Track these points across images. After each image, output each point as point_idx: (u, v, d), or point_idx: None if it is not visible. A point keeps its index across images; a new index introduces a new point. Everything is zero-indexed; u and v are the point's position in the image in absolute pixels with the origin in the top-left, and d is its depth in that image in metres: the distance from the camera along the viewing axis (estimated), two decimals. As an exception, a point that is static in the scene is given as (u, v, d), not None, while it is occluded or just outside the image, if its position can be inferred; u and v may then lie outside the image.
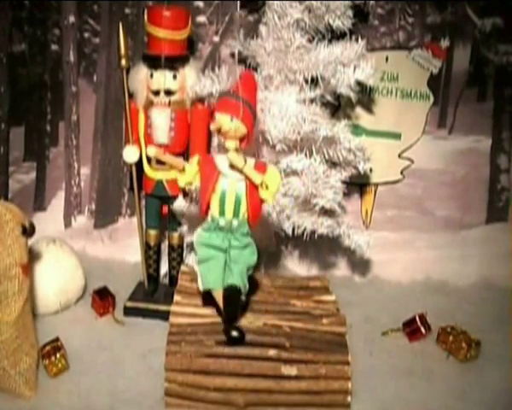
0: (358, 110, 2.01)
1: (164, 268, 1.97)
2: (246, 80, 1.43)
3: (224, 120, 1.37)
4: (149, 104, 1.74)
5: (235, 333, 1.39)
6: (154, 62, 1.69)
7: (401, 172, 2.09)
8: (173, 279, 1.87)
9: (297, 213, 1.78)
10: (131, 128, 1.75)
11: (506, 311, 1.88)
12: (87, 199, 2.20)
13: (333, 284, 1.73)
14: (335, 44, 1.67)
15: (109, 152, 2.14)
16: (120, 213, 2.19)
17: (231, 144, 1.38)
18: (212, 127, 1.40)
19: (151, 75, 1.70)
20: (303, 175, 1.68)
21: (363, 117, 2.02)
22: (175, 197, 1.77)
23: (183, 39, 1.73)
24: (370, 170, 2.02)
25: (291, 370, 1.40)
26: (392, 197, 2.13)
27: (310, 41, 1.67)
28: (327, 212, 1.76)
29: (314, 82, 1.68)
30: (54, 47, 2.10)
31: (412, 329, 1.76)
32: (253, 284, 1.65)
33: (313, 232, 1.78)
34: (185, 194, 1.74)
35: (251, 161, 1.41)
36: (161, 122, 1.73)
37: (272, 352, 1.41)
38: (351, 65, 1.64)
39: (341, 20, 1.66)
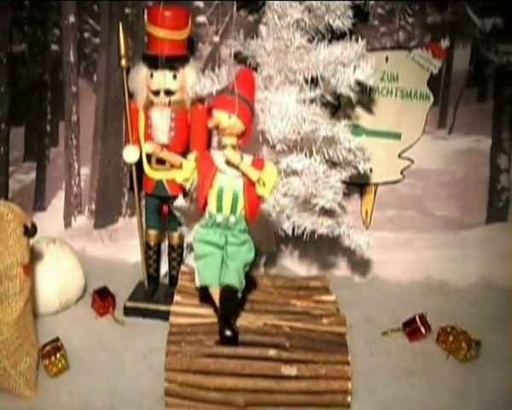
0: (358, 110, 2.01)
1: (164, 268, 1.97)
2: (243, 77, 1.43)
3: (221, 117, 1.37)
4: (149, 104, 1.74)
5: (228, 332, 1.39)
6: (154, 62, 1.69)
7: (401, 172, 2.09)
8: (173, 279, 1.87)
9: (297, 213, 1.78)
10: (131, 128, 1.75)
11: (506, 311, 1.88)
12: (87, 199, 2.19)
13: (333, 284, 1.73)
14: (335, 44, 1.67)
15: (109, 152, 2.14)
16: (120, 213, 2.19)
17: (229, 141, 1.39)
18: (210, 124, 1.40)
19: (151, 75, 1.70)
20: (303, 175, 1.68)
21: (363, 117, 2.02)
22: (175, 197, 1.77)
23: (183, 39, 1.73)
24: (370, 170, 2.02)
25: (291, 370, 1.40)
26: (392, 197, 2.13)
27: (310, 41, 1.67)
28: (327, 212, 1.76)
29: (314, 82, 1.68)
30: (54, 47, 2.10)
31: (412, 329, 1.76)
32: (253, 283, 1.66)
33: (313, 232, 1.78)
34: (185, 194, 1.74)
35: (248, 158, 1.41)
36: (161, 122, 1.73)
37: (272, 352, 1.41)
38: (351, 65, 1.64)
39: (341, 20, 1.66)
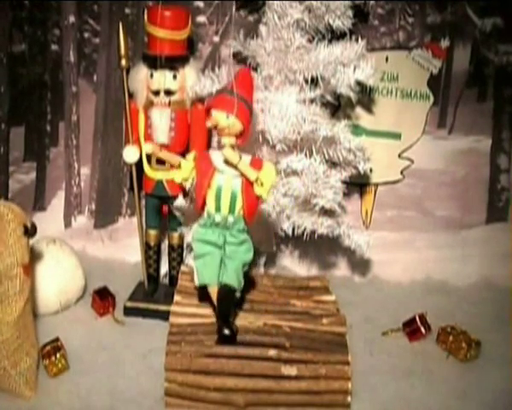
0: (358, 110, 2.01)
1: (164, 268, 1.97)
2: (242, 77, 1.43)
3: (220, 117, 1.37)
4: (149, 104, 1.74)
5: (226, 331, 1.40)
6: (154, 62, 1.69)
7: (401, 172, 2.09)
8: (173, 279, 1.87)
9: (297, 213, 1.78)
10: (131, 128, 1.75)
11: (506, 311, 1.89)
12: (87, 199, 2.20)
13: (333, 284, 1.73)
14: (335, 44, 1.67)
15: (109, 152, 2.14)
16: (120, 213, 2.19)
17: (227, 141, 1.39)
18: (209, 124, 1.40)
19: (151, 75, 1.70)
20: (303, 175, 1.68)
21: (363, 117, 2.02)
22: (175, 197, 1.77)
23: (183, 39, 1.73)
24: (370, 170, 2.02)
25: (291, 370, 1.40)
26: (392, 197, 2.13)
27: (310, 41, 1.67)
28: (327, 212, 1.76)
29: (314, 82, 1.68)
30: (54, 47, 2.10)
31: (412, 329, 1.76)
32: (253, 283, 1.66)
33: (313, 232, 1.78)
34: (185, 194, 1.74)
35: (247, 158, 1.41)
36: (161, 122, 1.73)
37: (272, 352, 1.41)
38: (351, 65, 1.64)
39: (341, 20, 1.65)
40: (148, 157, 1.75)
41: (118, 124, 2.09)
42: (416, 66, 1.99)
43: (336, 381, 1.40)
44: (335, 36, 1.69)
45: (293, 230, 1.79)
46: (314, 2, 1.61)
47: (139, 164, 1.76)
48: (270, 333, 1.45)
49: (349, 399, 1.42)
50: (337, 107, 1.96)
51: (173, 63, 1.70)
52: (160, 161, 1.71)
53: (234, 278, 1.42)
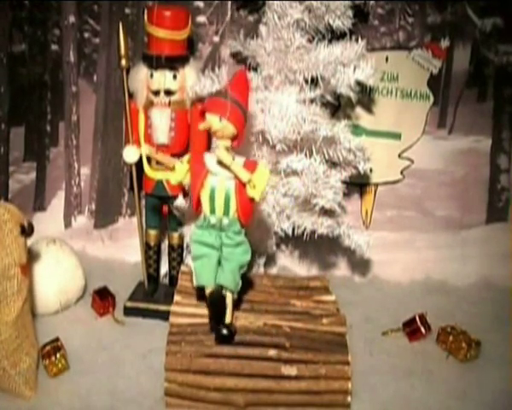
0: (358, 110, 2.01)
1: (164, 268, 1.97)
2: (238, 80, 1.43)
3: (212, 120, 1.37)
4: (149, 104, 1.74)
5: (224, 331, 1.40)
6: (154, 62, 1.69)
7: (401, 172, 2.09)
8: (173, 279, 1.87)
9: (297, 213, 1.78)
10: (131, 128, 1.75)
11: (506, 311, 1.89)
12: (87, 199, 2.19)
13: (333, 284, 1.72)
14: (335, 44, 1.67)
15: (109, 152, 2.14)
16: (120, 213, 2.19)
17: (222, 143, 1.39)
18: (201, 127, 1.40)
19: (151, 75, 1.70)
20: (303, 175, 1.68)
21: (363, 117, 2.02)
22: (175, 197, 1.77)
23: (183, 39, 1.72)
24: (370, 170, 2.02)
25: (291, 370, 1.40)
26: (392, 197, 2.13)
27: (310, 41, 1.67)
28: (327, 212, 1.76)
29: (314, 82, 1.68)
30: (54, 47, 2.10)
31: (412, 329, 1.76)
32: (254, 284, 1.66)
33: (313, 232, 1.78)
34: (185, 194, 1.74)
35: (240, 160, 1.41)
36: (161, 122, 1.73)
37: (272, 352, 1.41)
38: (351, 65, 1.64)
39: (341, 20, 1.65)
40: (148, 157, 1.75)
41: (118, 124, 2.09)
42: (416, 66, 1.99)
43: (336, 381, 1.41)
44: (335, 36, 1.69)
45: (293, 230, 1.79)
46: (314, 2, 1.61)
47: (139, 164, 1.76)
48: (270, 333, 1.45)
49: (349, 399, 1.42)
50: (337, 107, 1.96)
51: (173, 63, 1.69)
52: (161, 162, 1.71)
53: (230, 280, 1.42)
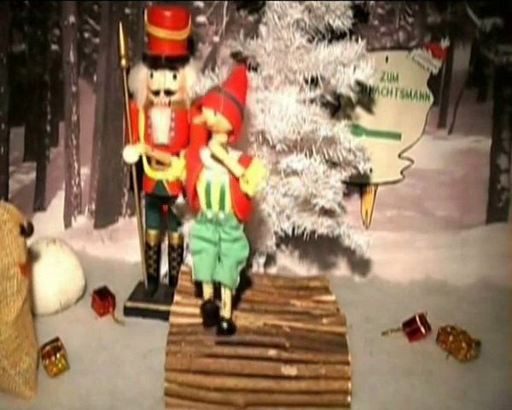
0: (358, 110, 2.01)
1: (164, 268, 1.97)
2: (235, 76, 1.43)
3: (208, 115, 1.37)
4: (149, 104, 1.74)
5: (225, 325, 1.43)
6: (154, 62, 1.69)
7: (401, 172, 2.09)
8: (173, 279, 1.87)
9: (297, 213, 1.78)
10: (131, 128, 1.75)
11: (506, 311, 1.89)
12: (87, 199, 2.19)
13: (333, 284, 1.73)
14: (335, 44, 1.67)
15: (109, 152, 2.14)
16: (120, 213, 2.19)
17: (218, 138, 1.39)
18: (196, 120, 1.40)
19: (151, 75, 1.70)
20: (303, 175, 1.68)
21: (363, 117, 2.02)
22: (175, 197, 1.77)
23: (183, 39, 1.72)
24: (370, 170, 2.02)
25: (291, 370, 1.40)
26: (392, 197, 2.13)
27: (310, 41, 1.67)
28: (327, 212, 1.76)
29: (314, 82, 1.68)
30: (54, 47, 2.10)
31: (412, 329, 1.76)
32: (254, 284, 1.66)
33: (313, 232, 1.78)
34: (185, 194, 1.74)
35: (235, 154, 1.41)
36: (161, 122, 1.73)
37: (272, 352, 1.41)
38: (351, 65, 1.64)
39: (341, 20, 1.65)
40: (148, 157, 1.75)
41: (118, 124, 2.09)
42: (416, 66, 1.99)
43: (336, 381, 1.41)
44: (335, 36, 1.69)
45: (293, 230, 1.79)
46: (314, 2, 1.61)
47: (139, 164, 1.76)
48: (270, 333, 1.45)
49: (349, 399, 1.42)
50: (337, 107, 1.96)
51: (173, 63, 1.69)
52: (161, 161, 1.71)
53: (228, 276, 1.42)
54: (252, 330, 1.45)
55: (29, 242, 1.53)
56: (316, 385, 1.40)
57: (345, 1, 1.65)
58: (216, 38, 2.07)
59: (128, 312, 1.81)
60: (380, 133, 2.04)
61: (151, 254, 1.89)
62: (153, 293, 1.88)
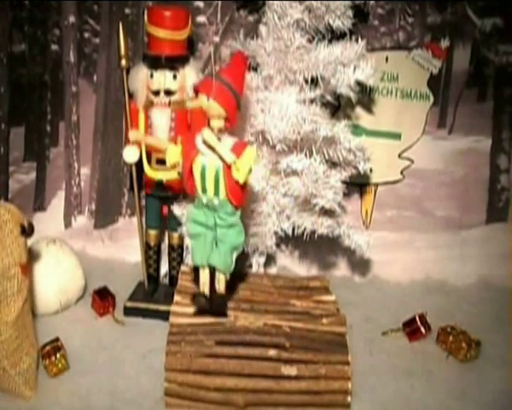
0: (358, 110, 2.01)
1: (164, 268, 1.97)
2: (233, 62, 1.43)
3: (202, 99, 1.37)
4: (149, 104, 1.74)
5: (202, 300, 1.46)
6: (154, 62, 1.69)
7: (401, 172, 2.09)
8: (173, 279, 1.87)
9: (297, 213, 1.78)
10: (131, 128, 1.75)
11: (506, 311, 1.89)
12: (87, 199, 2.19)
13: (333, 284, 1.73)
14: (335, 44, 1.67)
15: (109, 152, 2.14)
16: (120, 213, 2.19)
17: (214, 123, 1.38)
18: (191, 104, 1.40)
19: (151, 75, 1.70)
20: (303, 175, 1.67)
21: (363, 117, 2.02)
22: (175, 197, 1.77)
23: (183, 39, 1.72)
24: (370, 170, 2.02)
25: (291, 370, 1.40)
26: (392, 197, 2.13)
27: (310, 41, 1.67)
28: (327, 212, 1.76)
29: (314, 82, 1.68)
30: (54, 47, 2.10)
31: (412, 329, 1.76)
32: (254, 284, 1.66)
33: (313, 232, 1.78)
34: (186, 194, 1.74)
35: (230, 141, 1.40)
36: (161, 122, 1.73)
37: (272, 352, 1.41)
38: (351, 65, 1.64)
39: (341, 20, 1.65)
40: (148, 157, 1.75)
41: (118, 124, 2.09)
42: (416, 66, 1.99)
43: (336, 381, 1.41)
44: (335, 36, 1.69)
45: (293, 230, 1.79)
46: (314, 3, 1.61)
47: (139, 164, 1.76)
48: (270, 333, 1.45)
49: (349, 399, 1.42)
50: (337, 107, 1.96)
51: (173, 63, 1.69)
52: (160, 161, 1.71)
53: (222, 261, 1.42)
54: (252, 330, 1.45)
55: (29, 242, 1.52)
56: (316, 385, 1.40)
57: (345, 1, 1.65)
58: (216, 38, 2.06)
59: (128, 312, 1.81)
60: (380, 133, 2.04)
61: (151, 254, 1.89)
62: (153, 293, 1.88)
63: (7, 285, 1.39)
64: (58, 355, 1.51)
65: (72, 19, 2.06)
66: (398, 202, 2.13)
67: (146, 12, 1.72)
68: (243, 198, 1.44)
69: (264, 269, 1.93)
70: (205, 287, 1.47)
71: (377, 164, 1.98)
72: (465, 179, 2.13)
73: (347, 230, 1.82)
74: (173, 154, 1.45)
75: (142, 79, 1.72)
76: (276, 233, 1.81)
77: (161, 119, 1.72)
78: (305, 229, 1.77)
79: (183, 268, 1.74)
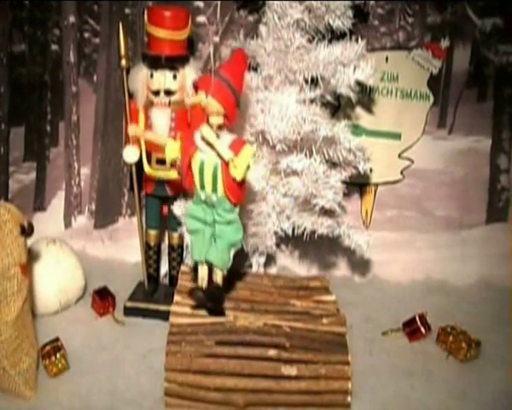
0: (358, 110, 2.01)
1: (164, 268, 1.97)
2: (233, 58, 1.43)
3: (201, 96, 1.37)
4: (149, 104, 1.74)
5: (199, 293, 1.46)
6: (154, 62, 1.69)
7: (401, 172, 2.09)
8: (173, 279, 1.87)
9: (297, 213, 1.78)
10: (131, 123, 1.75)
11: (506, 311, 1.89)
12: (87, 199, 2.19)
13: (333, 284, 1.73)
14: (335, 44, 1.67)
15: (109, 152, 2.14)
16: (120, 213, 2.19)
17: (214, 120, 1.38)
18: (191, 100, 1.40)
19: (151, 75, 1.70)
20: (303, 175, 1.68)
21: (363, 117, 2.02)
22: (175, 197, 1.77)
23: (183, 39, 1.72)
24: (370, 170, 2.02)
25: (291, 370, 1.40)
26: (392, 197, 2.13)
27: (310, 41, 1.67)
28: (327, 212, 1.76)
29: (314, 82, 1.68)
30: (54, 47, 2.10)
31: (412, 329, 1.76)
32: (254, 284, 1.66)
33: (313, 232, 1.78)
34: (186, 194, 1.74)
35: (228, 138, 1.40)
36: (161, 122, 1.73)
37: (272, 352, 1.41)
38: (351, 65, 1.64)
39: (341, 20, 1.65)
40: (148, 157, 1.75)
41: (118, 124, 2.09)
42: (416, 66, 1.99)
43: (336, 381, 1.41)
44: (335, 36, 1.69)
45: (293, 230, 1.79)
46: (314, 3, 1.61)
47: (139, 164, 1.76)
48: (270, 333, 1.45)
49: (349, 399, 1.42)
50: (337, 107, 1.96)
51: (173, 63, 1.69)
52: (160, 161, 1.71)
53: (219, 258, 1.42)
54: (252, 330, 1.45)
55: (29, 242, 1.53)
56: (316, 385, 1.40)
57: (345, 1, 1.65)
58: (216, 38, 2.06)
59: (128, 312, 1.81)
60: (380, 133, 2.04)
61: (151, 254, 1.89)
62: (153, 293, 1.88)
63: (7, 285, 1.39)
64: (58, 355, 1.51)
65: (72, 19, 2.06)
66: (398, 202, 2.13)
67: (146, 12, 1.72)
68: (241, 195, 1.44)
69: (264, 269, 1.93)
70: (203, 282, 1.47)
71: (377, 164, 1.98)
72: (465, 179, 2.13)
73: (347, 230, 1.82)
74: (172, 149, 1.46)
75: (142, 79, 1.72)
76: (276, 233, 1.81)
77: (161, 119, 1.72)
78: (305, 229, 1.77)
79: (183, 268, 1.74)
